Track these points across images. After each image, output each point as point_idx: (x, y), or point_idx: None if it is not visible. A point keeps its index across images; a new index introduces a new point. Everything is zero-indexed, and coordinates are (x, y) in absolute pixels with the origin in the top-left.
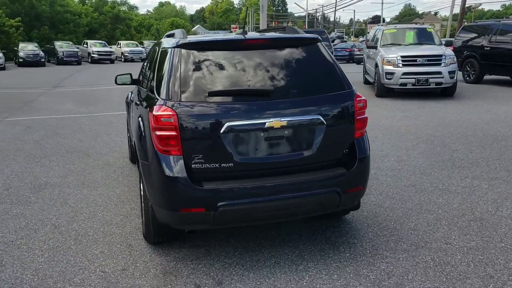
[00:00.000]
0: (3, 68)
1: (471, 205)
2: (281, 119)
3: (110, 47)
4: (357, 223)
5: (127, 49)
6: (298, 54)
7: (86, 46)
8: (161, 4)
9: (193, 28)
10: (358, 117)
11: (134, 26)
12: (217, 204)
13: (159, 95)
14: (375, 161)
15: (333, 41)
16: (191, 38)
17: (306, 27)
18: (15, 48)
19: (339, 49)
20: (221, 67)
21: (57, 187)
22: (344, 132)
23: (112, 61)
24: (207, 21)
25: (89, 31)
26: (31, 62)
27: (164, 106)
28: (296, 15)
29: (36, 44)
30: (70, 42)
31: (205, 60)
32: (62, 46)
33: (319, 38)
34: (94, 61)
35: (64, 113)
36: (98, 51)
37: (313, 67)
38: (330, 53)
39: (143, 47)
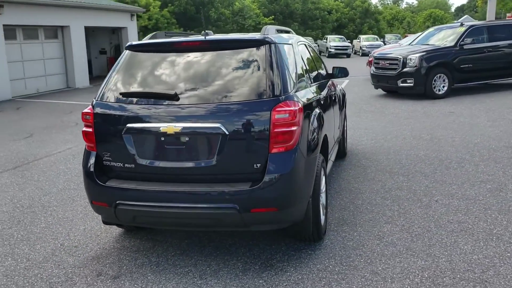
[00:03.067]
0: None
1: (497, 261)
2: (176, 125)
3: (348, 42)
4: (323, 251)
5: (366, 43)
6: (233, 57)
7: (325, 41)
8: None
9: (460, 19)
10: (276, 130)
11: (388, 19)
12: (115, 202)
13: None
14: (458, 187)
15: None
16: (147, 40)
17: None
18: None
19: None
20: (151, 69)
21: None
22: (254, 145)
23: (348, 55)
24: (478, 11)
25: (337, 26)
26: None
27: (90, 104)
28: None
29: None
30: (311, 38)
31: (141, 62)
32: None
33: (270, 40)
34: (331, 56)
35: None
36: (335, 46)
37: (243, 72)
38: (277, 57)
39: (383, 41)
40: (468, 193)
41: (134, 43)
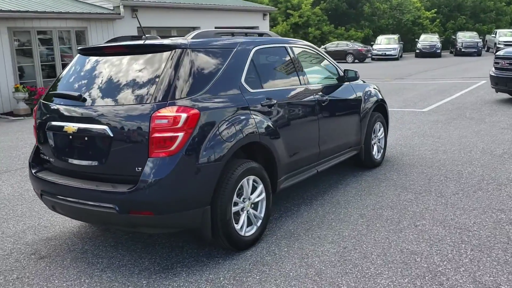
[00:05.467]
0: (397, 59)
1: None
2: (73, 125)
3: None
4: (233, 262)
5: None
6: (143, 62)
7: (493, 35)
8: None
9: None
10: (155, 135)
11: None
12: (40, 191)
13: None
14: (462, 213)
15: None
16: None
17: None
18: (416, 40)
19: None
20: (83, 71)
21: None
22: (136, 148)
23: None
24: None
25: None
26: (427, 53)
27: None
28: None
29: (437, 36)
30: (475, 33)
31: (82, 64)
32: (464, 36)
33: (180, 45)
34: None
35: None
36: (505, 41)
37: (145, 76)
38: (182, 62)
39: None
40: (466, 221)
41: (81, 47)
